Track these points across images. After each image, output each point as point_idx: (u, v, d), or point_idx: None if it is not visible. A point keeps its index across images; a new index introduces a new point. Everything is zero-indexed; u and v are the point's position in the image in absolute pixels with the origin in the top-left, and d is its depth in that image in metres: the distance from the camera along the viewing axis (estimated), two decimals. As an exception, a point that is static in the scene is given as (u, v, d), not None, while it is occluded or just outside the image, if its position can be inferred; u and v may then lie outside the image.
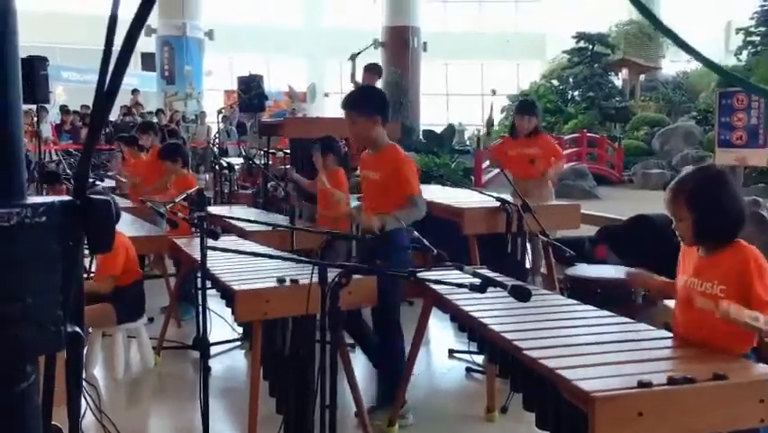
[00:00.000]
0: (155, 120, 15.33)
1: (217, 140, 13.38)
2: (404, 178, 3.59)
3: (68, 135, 16.00)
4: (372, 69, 8.27)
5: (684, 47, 0.88)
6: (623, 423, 1.90)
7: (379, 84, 8.67)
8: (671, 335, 2.48)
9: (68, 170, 12.12)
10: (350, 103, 3.74)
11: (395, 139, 3.86)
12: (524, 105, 6.08)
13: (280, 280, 3.10)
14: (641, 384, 1.95)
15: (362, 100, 3.76)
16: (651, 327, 2.58)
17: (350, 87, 8.51)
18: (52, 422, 1.09)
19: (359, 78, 8.74)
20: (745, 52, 20.62)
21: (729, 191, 2.37)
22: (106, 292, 4.34)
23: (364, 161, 3.90)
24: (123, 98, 18.01)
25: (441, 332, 5.23)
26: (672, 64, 24.84)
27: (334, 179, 5.19)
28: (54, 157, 14.54)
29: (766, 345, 4.15)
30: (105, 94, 0.94)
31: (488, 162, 15.04)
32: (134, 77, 21.81)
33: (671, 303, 2.74)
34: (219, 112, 12.79)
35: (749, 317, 2.14)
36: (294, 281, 3.08)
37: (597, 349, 2.33)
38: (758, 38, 20.47)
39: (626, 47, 23.82)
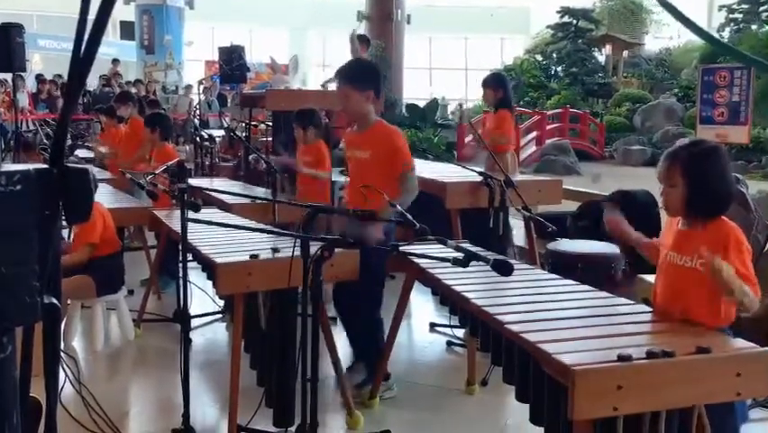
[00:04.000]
0: (133, 90, 15.12)
1: (198, 111, 13.24)
2: (398, 152, 3.54)
3: (45, 104, 15.74)
4: (361, 40, 8.24)
5: (685, 21, 0.86)
6: (602, 396, 1.92)
7: (367, 55, 8.61)
8: (650, 309, 2.50)
9: (45, 140, 11.94)
10: (343, 75, 3.64)
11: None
12: (485, 78, 6.09)
13: (253, 256, 3.07)
14: (620, 358, 1.96)
15: (356, 73, 3.65)
16: (630, 302, 2.60)
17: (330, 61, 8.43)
18: (30, 394, 1.07)
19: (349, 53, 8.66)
20: (727, 29, 20.72)
21: (724, 168, 2.39)
22: (83, 262, 4.30)
23: (350, 139, 3.82)
24: (102, 68, 17.71)
25: (422, 306, 5.25)
26: (655, 41, 24.92)
27: (315, 152, 5.16)
28: (31, 126, 14.31)
29: (741, 319, 4.22)
30: (81, 61, 0.91)
31: (470, 137, 15.05)
32: (113, 46, 21.47)
33: (650, 278, 2.76)
34: (200, 83, 12.64)
35: (738, 287, 2.15)
36: (276, 250, 3.06)
37: (577, 323, 2.35)
38: (741, 15, 20.56)
39: (610, 23, 23.82)
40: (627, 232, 2.74)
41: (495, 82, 5.78)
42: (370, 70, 3.75)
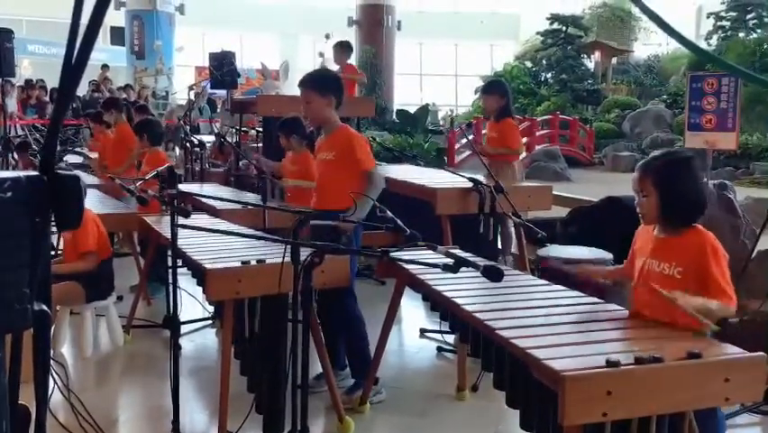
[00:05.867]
0: (123, 96, 15.06)
1: (188, 117, 13.18)
2: (358, 154, 3.69)
3: (34, 110, 15.64)
4: (343, 47, 8.28)
5: (670, 31, 0.88)
6: (592, 402, 1.93)
7: (352, 61, 8.69)
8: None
9: (33, 146, 11.88)
10: (305, 81, 3.82)
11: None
12: (486, 84, 6.08)
13: (244, 262, 3.08)
14: (609, 364, 1.97)
15: (318, 80, 3.84)
16: (620, 308, 2.61)
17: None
18: (19, 401, 1.07)
19: (330, 59, 8.77)
20: (715, 37, 20.87)
21: (695, 176, 2.50)
22: (89, 270, 4.29)
23: (318, 146, 3.98)
24: (92, 74, 17.64)
25: (412, 311, 5.26)
26: (644, 48, 25.07)
27: (302, 161, 5.15)
28: (20, 132, 14.23)
29: (729, 325, 4.25)
30: (73, 67, 0.91)
31: (461, 142, 15.09)
32: (103, 51, 21.39)
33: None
34: (190, 88, 12.60)
35: (694, 308, 2.23)
36: (260, 261, 3.07)
37: (567, 329, 2.36)
38: (728, 22, 20.73)
39: (599, 30, 23.95)
40: (594, 271, 2.87)
41: (499, 89, 5.75)
42: (331, 79, 3.93)
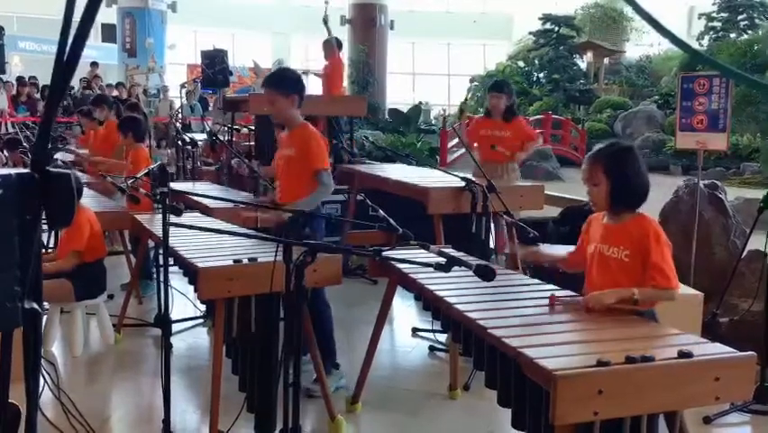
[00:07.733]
0: (115, 93, 15.00)
1: (180, 115, 13.15)
2: (312, 152, 3.79)
3: (25, 107, 15.55)
4: (329, 45, 8.30)
5: (663, 32, 0.88)
6: (583, 400, 1.93)
7: (343, 57, 8.73)
8: (632, 314, 2.53)
9: (24, 144, 11.82)
10: (268, 81, 3.93)
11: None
12: (496, 83, 6.06)
13: (236, 261, 3.08)
14: (600, 363, 1.98)
15: (280, 79, 3.93)
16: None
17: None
18: (9, 400, 1.06)
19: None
20: (706, 37, 20.98)
21: (639, 163, 2.68)
22: (68, 269, 4.26)
23: (281, 141, 4.07)
24: (83, 71, 17.57)
25: (405, 310, 5.26)
26: (636, 48, 25.16)
27: None
28: (11, 129, 14.15)
29: (719, 323, 4.26)
30: (65, 64, 0.91)
31: (454, 141, 15.09)
32: (94, 49, 21.30)
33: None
34: (182, 86, 12.56)
35: (612, 298, 2.49)
36: (252, 260, 3.06)
37: (559, 328, 2.37)
38: (720, 23, 20.84)
39: (591, 30, 24.01)
40: (541, 255, 3.09)
41: (507, 89, 5.76)
42: (293, 78, 4.00)
